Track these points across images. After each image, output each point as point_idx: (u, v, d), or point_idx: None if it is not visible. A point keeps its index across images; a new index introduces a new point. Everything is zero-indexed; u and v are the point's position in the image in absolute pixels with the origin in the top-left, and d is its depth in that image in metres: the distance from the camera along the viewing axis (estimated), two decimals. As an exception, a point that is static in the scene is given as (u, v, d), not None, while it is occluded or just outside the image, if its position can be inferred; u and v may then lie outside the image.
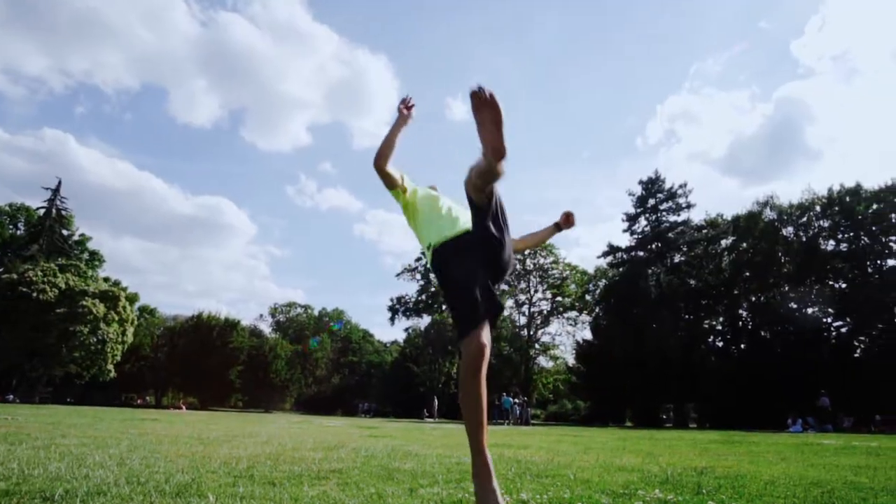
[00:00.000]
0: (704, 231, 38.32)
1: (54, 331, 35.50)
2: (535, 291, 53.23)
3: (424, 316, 55.64)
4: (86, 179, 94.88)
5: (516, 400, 29.56)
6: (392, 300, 57.10)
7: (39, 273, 35.56)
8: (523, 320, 53.69)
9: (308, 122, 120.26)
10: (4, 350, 34.69)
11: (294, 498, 2.46)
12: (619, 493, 2.83)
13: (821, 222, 34.01)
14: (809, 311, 33.52)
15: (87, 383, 42.72)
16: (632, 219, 40.13)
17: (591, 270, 51.36)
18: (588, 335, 43.63)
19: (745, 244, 36.57)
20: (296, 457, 4.39)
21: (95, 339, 36.42)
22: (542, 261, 52.94)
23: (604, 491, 2.87)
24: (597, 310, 43.83)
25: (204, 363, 46.59)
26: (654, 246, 38.76)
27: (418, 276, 57.19)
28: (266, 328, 70.34)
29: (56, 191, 46.94)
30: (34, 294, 34.46)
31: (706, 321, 37.54)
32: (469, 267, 2.32)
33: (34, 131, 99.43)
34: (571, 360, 46.63)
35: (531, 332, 52.75)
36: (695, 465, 4.51)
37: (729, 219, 38.03)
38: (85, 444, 5.08)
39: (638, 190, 40.05)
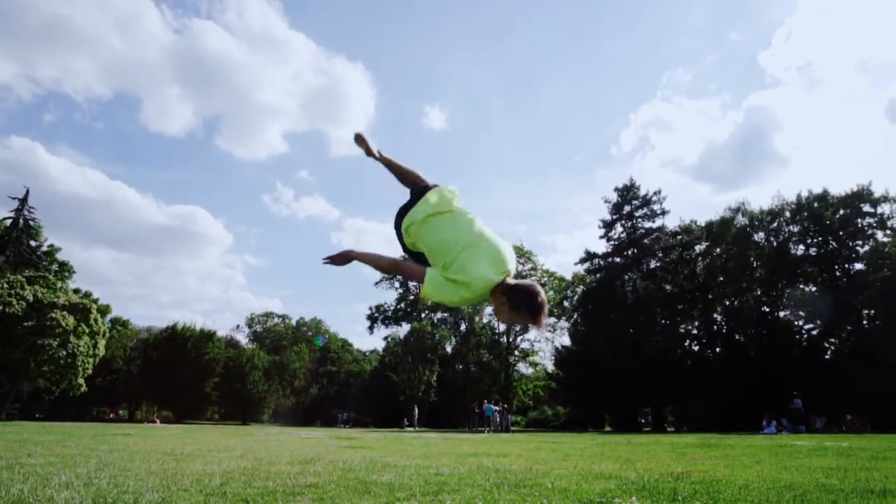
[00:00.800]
0: (679, 237, 38.94)
1: (22, 345, 34.43)
2: (514, 298, 53.40)
3: (403, 324, 55.40)
4: (55, 189, 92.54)
5: (496, 408, 29.54)
6: (371, 308, 56.78)
7: (6, 285, 34.50)
8: (502, 327, 53.84)
9: (284, 130, 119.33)
10: (-32, 366, 33.55)
11: (267, 516, 2.41)
12: (596, 501, 2.83)
13: (791, 227, 34.83)
14: (781, 314, 34.25)
15: (56, 398, 41.47)
16: (608, 225, 40.61)
17: (568, 277, 51.77)
18: (567, 341, 43.93)
19: (718, 249, 37.26)
20: (271, 471, 4.31)
21: (65, 353, 35.38)
22: (520, 268, 53.21)
23: (580, 500, 2.87)
24: (575, 316, 44.15)
25: (178, 375, 45.61)
26: (630, 252, 39.25)
27: (397, 285, 56.94)
28: (243, 339, 69.33)
29: (24, 200, 45.66)
30: (0, 307, 33.43)
31: (682, 326, 38.08)
32: None
33: (0, 140, 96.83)
34: (551, 367, 46.84)
35: (510, 339, 52.87)
36: (671, 470, 4.55)
37: (702, 225, 38.71)
38: (52, 462, 4.93)
39: (614, 197, 40.59)
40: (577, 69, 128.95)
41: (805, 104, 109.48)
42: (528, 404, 55.71)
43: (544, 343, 52.72)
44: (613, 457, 6.49)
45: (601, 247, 41.02)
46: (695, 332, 38.39)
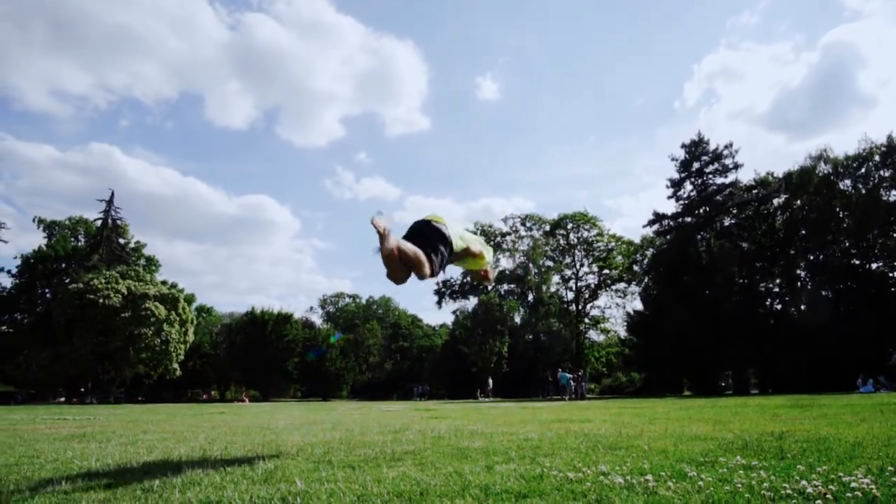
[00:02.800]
0: (755, 191, 36.83)
1: (121, 334, 37.30)
2: (581, 265, 52.54)
3: (471, 297, 55.81)
4: (135, 189, 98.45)
5: (570, 375, 29.39)
6: (438, 284, 57.41)
7: (103, 281, 37.38)
8: (571, 295, 53.18)
9: (340, 114, 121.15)
10: (78, 355, 36.72)
11: (376, 479, 2.52)
12: (700, 461, 2.78)
13: (881, 172, 32.15)
14: (874, 266, 31.94)
15: (155, 382, 44.85)
16: (676, 184, 38.94)
17: (637, 240, 50.27)
18: (639, 306, 42.89)
19: (799, 201, 35.00)
20: (366, 441, 4.49)
21: (159, 340, 38.14)
22: (585, 234, 52.13)
23: (683, 460, 2.83)
24: (646, 280, 42.95)
25: (261, 356, 48.13)
26: (701, 210, 37.54)
27: (462, 259, 57.26)
28: (317, 319, 72.03)
29: (110, 202, 48.96)
30: (100, 301, 36.27)
31: (762, 284, 36.25)
32: None
33: (82, 147, 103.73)
34: (623, 333, 45.99)
35: (580, 307, 52.18)
36: (770, 430, 4.39)
37: (780, 176, 36.41)
38: (166, 438, 5.35)
39: (681, 154, 38.77)
40: (630, 25, 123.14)
41: (892, 36, 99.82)
42: (602, 371, 55.08)
43: (615, 309, 51.77)
44: (702, 419, 6.33)
45: (670, 207, 39.46)
46: (776, 290, 36.49)
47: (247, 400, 39.18)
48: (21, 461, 3.50)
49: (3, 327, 47.39)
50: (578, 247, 52.35)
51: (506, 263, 56.35)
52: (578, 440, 4.07)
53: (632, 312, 42.43)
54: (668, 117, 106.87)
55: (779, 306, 36.25)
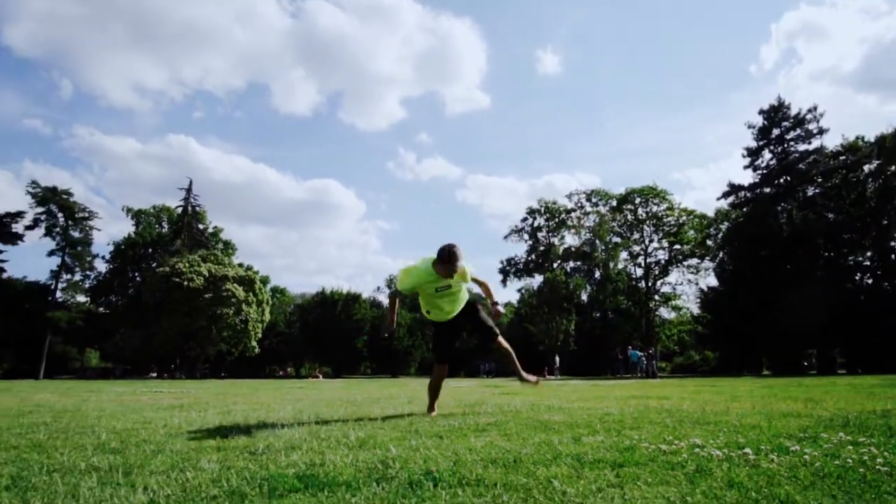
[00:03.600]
0: (842, 157, 34.26)
1: (204, 314, 39.68)
2: (650, 241, 50.87)
3: (536, 275, 55.39)
4: (210, 177, 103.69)
5: (641, 353, 28.78)
6: (502, 262, 57.31)
7: (186, 264, 39.80)
8: (639, 272, 51.70)
9: (401, 96, 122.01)
10: (167, 335, 39.42)
11: (467, 448, 2.59)
12: (800, 437, 2.68)
13: None
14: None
15: (236, 359, 47.55)
16: (753, 153, 36.80)
17: (710, 214, 48.09)
18: (713, 282, 41.22)
19: (893, 167, 32.29)
20: (446, 414, 4.60)
21: (239, 320, 40.37)
22: (654, 209, 50.31)
23: (780, 435, 2.74)
24: (721, 255, 41.11)
25: (332, 335, 50.01)
26: (782, 180, 35.36)
27: (526, 237, 56.78)
28: (384, 299, 73.66)
29: (189, 190, 51.85)
30: (184, 283, 38.66)
31: (850, 257, 33.90)
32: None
33: (161, 138, 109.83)
34: (696, 310, 44.39)
35: (649, 284, 50.68)
36: (871, 408, 4.16)
37: (871, 141, 33.66)
38: (256, 409, 5.68)
39: (758, 121, 36.55)
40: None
41: None
42: (674, 350, 53.50)
43: (687, 286, 49.94)
44: (790, 397, 6.06)
45: (746, 178, 37.52)
46: (867, 263, 34.01)
47: (320, 376, 40.81)
48: (136, 426, 3.83)
49: (101, 309, 51.52)
50: (647, 222, 50.65)
51: (571, 240, 55.40)
52: (661, 415, 4.01)
53: (705, 289, 40.86)
54: (743, 82, 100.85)
55: (869, 281, 33.83)
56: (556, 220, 55.34)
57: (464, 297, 4.58)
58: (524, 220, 56.43)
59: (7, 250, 46.14)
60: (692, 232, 49.23)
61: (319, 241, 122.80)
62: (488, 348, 4.95)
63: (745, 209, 37.28)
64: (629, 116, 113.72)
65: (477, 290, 5.07)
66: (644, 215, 50.67)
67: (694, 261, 49.32)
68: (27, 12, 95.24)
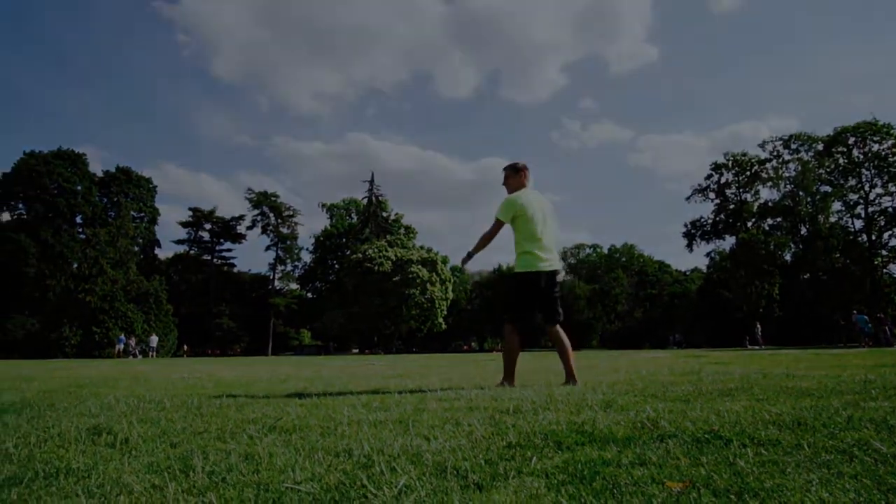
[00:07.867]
0: None
1: (394, 295, 43.12)
2: (873, 187, 43.19)
3: (726, 237, 50.50)
4: (387, 168, 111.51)
5: (870, 319, 24.74)
6: (686, 226, 53.12)
7: (375, 250, 43.56)
8: (859, 224, 44.27)
9: (561, 63, 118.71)
10: (365, 315, 43.67)
11: (730, 411, 2.44)
12: None
13: None
14: None
15: (424, 335, 51.07)
16: None
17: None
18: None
19: None
20: (669, 381, 4.39)
21: (425, 299, 43.18)
22: (875, 147, 42.49)
23: None
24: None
25: (511, 310, 51.17)
26: None
27: (712, 196, 51.88)
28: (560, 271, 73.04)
29: (371, 182, 56.43)
30: (375, 268, 42.37)
31: None
32: None
33: (341, 138, 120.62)
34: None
35: (872, 237, 43.18)
36: None
37: None
38: (471, 377, 6.01)
39: None
40: None
41: None
42: (912, 313, 45.12)
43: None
44: None
45: None
46: None
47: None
48: (378, 390, 4.28)
49: (309, 294, 59.02)
50: (866, 164, 43.12)
51: (767, 195, 49.43)
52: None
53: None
54: None
55: None
56: (748, 173, 49.65)
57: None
58: (708, 177, 51.63)
59: (235, 248, 55.13)
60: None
61: (491, 218, 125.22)
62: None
63: None
64: (833, 42, 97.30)
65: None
66: (861, 157, 43.16)
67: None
68: (227, 43, 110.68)
